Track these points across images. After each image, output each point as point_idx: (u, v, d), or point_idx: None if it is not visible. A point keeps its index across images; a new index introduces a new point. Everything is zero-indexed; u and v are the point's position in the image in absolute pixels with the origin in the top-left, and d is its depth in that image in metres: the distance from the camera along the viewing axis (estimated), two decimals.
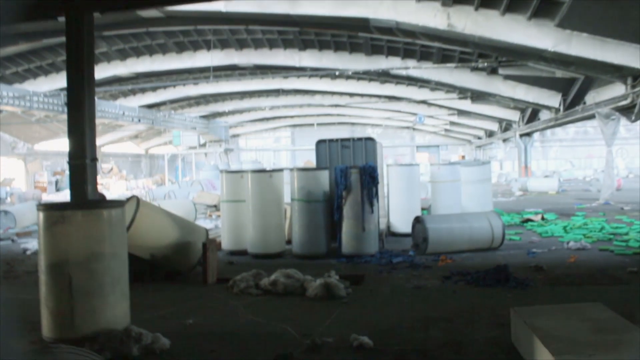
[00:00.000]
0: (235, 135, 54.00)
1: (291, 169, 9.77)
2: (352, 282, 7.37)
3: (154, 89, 33.82)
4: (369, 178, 9.17)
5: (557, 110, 22.34)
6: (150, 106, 35.15)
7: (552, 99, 22.28)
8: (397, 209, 12.04)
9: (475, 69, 21.93)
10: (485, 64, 16.94)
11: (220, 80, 32.27)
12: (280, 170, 10.17)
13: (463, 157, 51.00)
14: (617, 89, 19.07)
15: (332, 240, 9.80)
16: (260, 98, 38.60)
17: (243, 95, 37.89)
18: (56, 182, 34.63)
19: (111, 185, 41.02)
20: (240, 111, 44.55)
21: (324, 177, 9.67)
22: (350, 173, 9.17)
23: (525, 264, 8.51)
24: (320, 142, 10.78)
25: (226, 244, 10.29)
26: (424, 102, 33.55)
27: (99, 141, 45.14)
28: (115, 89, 26.81)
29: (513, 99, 23.30)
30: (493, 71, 21.80)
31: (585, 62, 14.36)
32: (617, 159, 50.72)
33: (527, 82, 22.05)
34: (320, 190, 9.48)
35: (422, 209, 12.95)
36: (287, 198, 10.27)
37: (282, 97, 37.28)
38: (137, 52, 24.84)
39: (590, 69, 15.32)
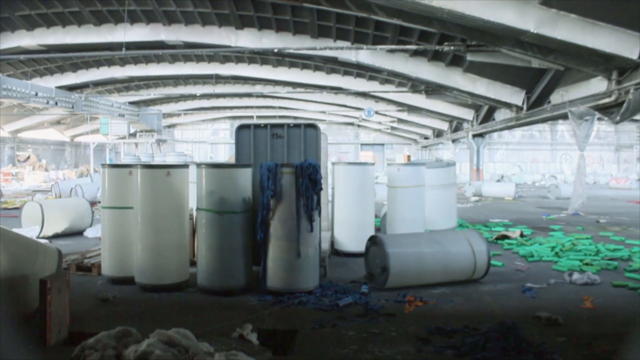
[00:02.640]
0: (170, 126, 50.51)
1: (198, 165, 6.74)
2: (276, 347, 4.66)
3: (74, 69, 30.08)
4: (309, 181, 6.30)
5: (520, 108, 20.25)
6: (70, 88, 31.23)
7: (515, 96, 20.19)
8: (344, 221, 9.31)
9: (433, 58, 19.57)
10: (452, 47, 14.43)
11: (150, 62, 28.98)
12: (185, 166, 7.15)
13: (409, 157, 49.22)
14: (590, 87, 17.17)
15: (255, 264, 6.94)
16: (197, 85, 35.34)
17: (177, 81, 34.62)
18: None
19: (26, 175, 36.96)
20: (175, 99, 41.14)
21: (245, 178, 6.69)
22: (281, 174, 6.28)
23: (526, 310, 5.99)
24: (242, 128, 7.45)
25: (107, 267, 7.25)
26: (372, 95, 31.18)
27: (12, 126, 40.83)
28: (14, 57, 22.96)
29: (472, 94, 21.05)
30: (453, 62, 19.52)
31: (571, 49, 12.14)
32: (564, 164, 50.20)
33: (488, 77, 19.88)
34: (239, 197, 6.50)
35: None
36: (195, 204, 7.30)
37: (220, 85, 34.14)
38: (47, 21, 21.30)
39: (574, 59, 13.09)
